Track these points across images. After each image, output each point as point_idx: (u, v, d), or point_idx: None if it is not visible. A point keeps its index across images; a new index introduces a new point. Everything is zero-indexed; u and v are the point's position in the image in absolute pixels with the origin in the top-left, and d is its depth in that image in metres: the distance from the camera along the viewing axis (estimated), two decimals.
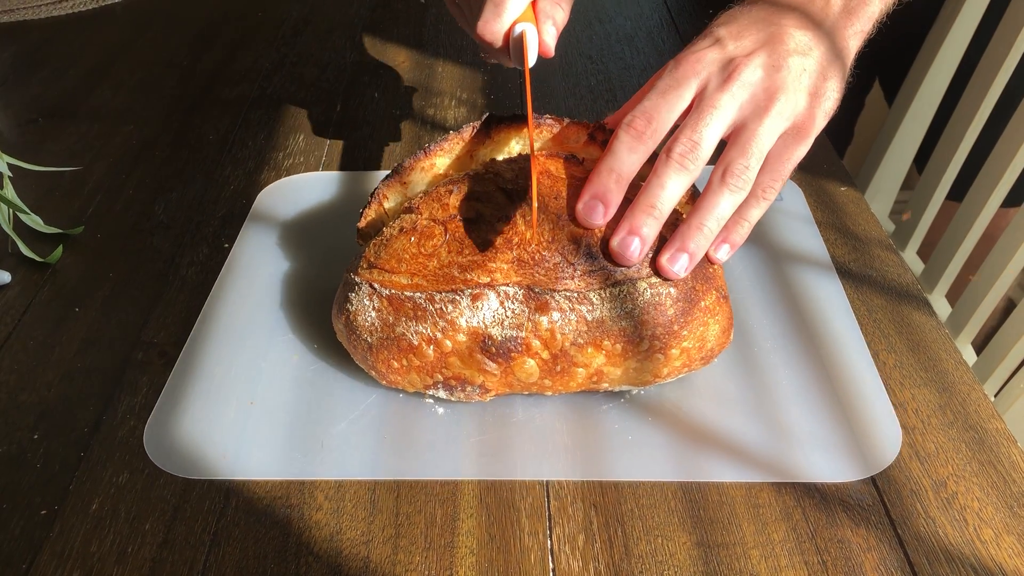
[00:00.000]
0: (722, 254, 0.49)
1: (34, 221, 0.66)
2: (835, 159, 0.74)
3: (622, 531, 0.45)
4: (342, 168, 0.74)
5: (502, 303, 0.47)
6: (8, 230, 0.64)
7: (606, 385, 0.50)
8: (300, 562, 0.44)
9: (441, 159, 0.53)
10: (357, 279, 0.50)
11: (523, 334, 0.47)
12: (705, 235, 0.47)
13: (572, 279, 0.47)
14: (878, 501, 0.46)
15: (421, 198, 0.50)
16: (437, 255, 0.48)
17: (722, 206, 0.47)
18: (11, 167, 0.66)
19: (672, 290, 0.47)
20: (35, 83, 0.89)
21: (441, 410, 0.52)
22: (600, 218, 0.46)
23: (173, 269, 0.63)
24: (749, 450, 0.49)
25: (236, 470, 0.48)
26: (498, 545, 0.45)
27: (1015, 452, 0.48)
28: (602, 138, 0.52)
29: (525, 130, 0.53)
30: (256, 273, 0.62)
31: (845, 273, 0.61)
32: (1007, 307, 1.04)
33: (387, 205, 0.54)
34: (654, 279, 0.47)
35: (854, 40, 0.51)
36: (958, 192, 0.84)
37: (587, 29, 0.96)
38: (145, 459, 0.49)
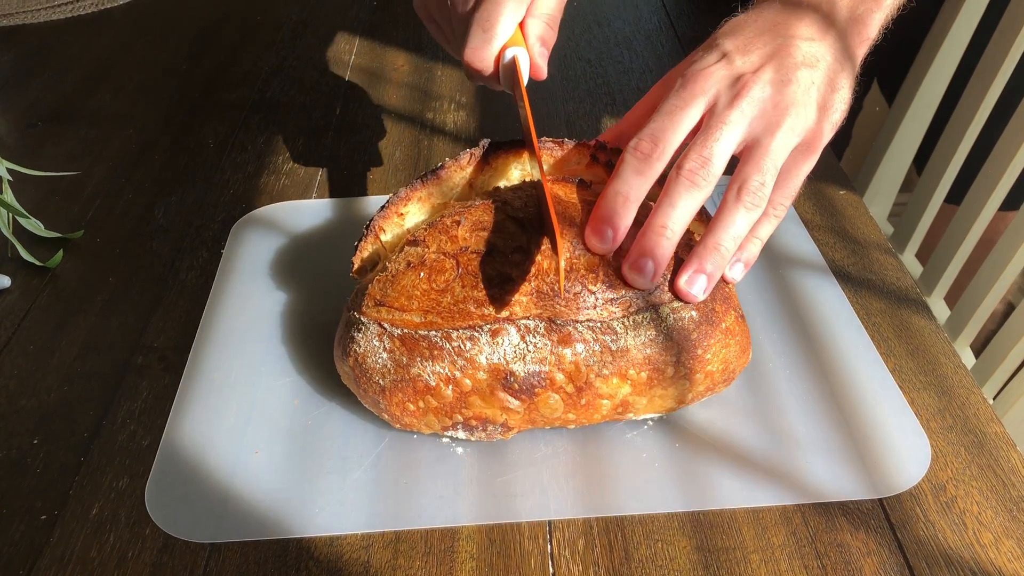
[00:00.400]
0: (736, 273, 0.48)
1: (34, 225, 0.66)
2: (834, 162, 0.74)
3: (622, 535, 0.45)
4: (343, 170, 0.74)
5: (523, 337, 0.45)
6: (8, 234, 0.64)
7: (631, 415, 0.49)
8: (300, 567, 0.44)
9: (437, 188, 0.51)
10: (364, 319, 0.47)
11: (547, 368, 0.46)
12: (722, 255, 0.46)
13: (594, 308, 0.45)
14: (877, 505, 0.46)
15: (426, 230, 0.48)
16: (450, 290, 0.46)
17: (738, 224, 0.46)
18: (10, 171, 0.66)
19: (694, 313, 0.46)
20: (34, 87, 0.90)
21: (460, 450, 0.49)
22: (609, 243, 0.45)
23: (173, 273, 0.63)
24: (780, 474, 0.47)
25: (248, 531, 0.46)
26: (498, 549, 0.45)
27: (1014, 456, 0.49)
28: (605, 159, 0.51)
29: (524, 156, 0.52)
30: (245, 309, 0.59)
31: (844, 277, 0.61)
32: (1006, 310, 1.05)
33: (384, 238, 0.51)
34: (676, 303, 0.46)
35: (861, 48, 0.50)
36: (956, 195, 0.84)
37: (586, 32, 0.96)
38: (146, 464, 0.49)
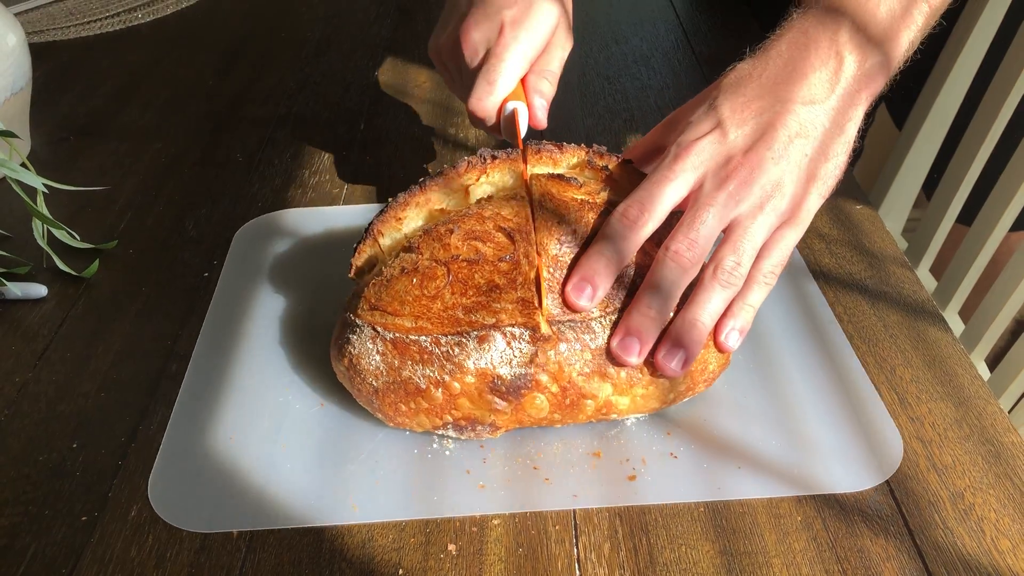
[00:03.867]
0: (732, 341, 0.49)
1: (68, 236, 0.68)
2: (850, 177, 0.75)
3: (647, 540, 0.46)
4: (368, 184, 0.76)
5: (509, 344, 0.47)
6: (43, 244, 0.66)
7: (614, 416, 0.50)
8: (334, 568, 0.45)
9: (436, 194, 0.53)
10: (359, 321, 0.49)
11: (532, 370, 0.47)
12: (699, 330, 0.47)
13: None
14: (896, 512, 0.47)
15: (421, 237, 0.50)
16: (440, 297, 0.47)
17: (714, 301, 0.48)
18: (45, 185, 0.68)
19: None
20: (65, 102, 0.92)
21: (452, 445, 0.51)
22: (588, 301, 0.47)
23: (204, 283, 0.65)
24: (762, 462, 0.50)
25: (247, 521, 0.48)
26: (526, 553, 0.46)
27: None
28: (601, 163, 0.53)
29: (520, 166, 0.53)
30: (244, 311, 0.62)
31: (862, 289, 0.62)
32: (1016, 328, 1.05)
33: (382, 241, 0.53)
34: None
35: (863, 105, 0.51)
36: (967, 216, 0.85)
37: (604, 50, 0.98)
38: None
